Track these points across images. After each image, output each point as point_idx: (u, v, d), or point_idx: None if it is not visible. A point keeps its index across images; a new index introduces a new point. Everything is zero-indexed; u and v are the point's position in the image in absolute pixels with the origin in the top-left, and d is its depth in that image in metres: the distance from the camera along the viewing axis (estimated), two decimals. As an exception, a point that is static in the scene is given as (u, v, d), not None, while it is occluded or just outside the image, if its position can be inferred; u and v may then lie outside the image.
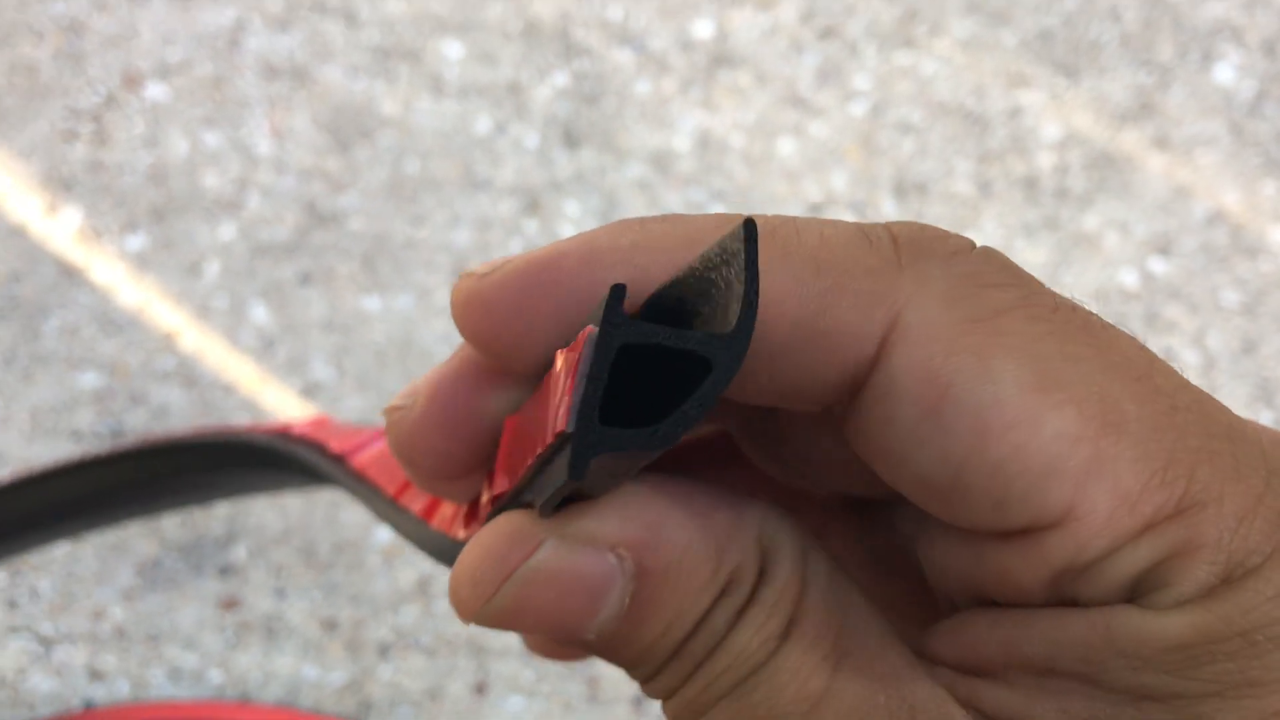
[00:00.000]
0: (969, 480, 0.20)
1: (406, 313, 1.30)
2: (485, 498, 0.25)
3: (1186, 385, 0.21)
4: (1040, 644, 0.21)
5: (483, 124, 1.42)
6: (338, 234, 1.33)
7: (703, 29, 1.52)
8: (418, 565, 1.19)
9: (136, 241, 1.31)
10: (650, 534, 0.21)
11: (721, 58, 1.50)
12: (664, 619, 0.21)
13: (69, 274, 1.29)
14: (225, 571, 1.17)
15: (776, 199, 1.41)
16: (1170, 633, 0.20)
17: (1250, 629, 0.19)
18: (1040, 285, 0.21)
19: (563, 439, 0.19)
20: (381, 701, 1.14)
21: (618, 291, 0.19)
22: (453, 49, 1.46)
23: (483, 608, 0.22)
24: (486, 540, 0.22)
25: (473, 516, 0.26)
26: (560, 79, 1.46)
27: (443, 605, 1.17)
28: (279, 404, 1.24)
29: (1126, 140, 1.54)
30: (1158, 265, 1.47)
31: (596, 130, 1.43)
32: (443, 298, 1.31)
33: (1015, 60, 1.56)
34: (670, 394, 0.19)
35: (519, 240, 1.35)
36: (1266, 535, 0.20)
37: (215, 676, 1.14)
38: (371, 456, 0.33)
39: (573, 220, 1.37)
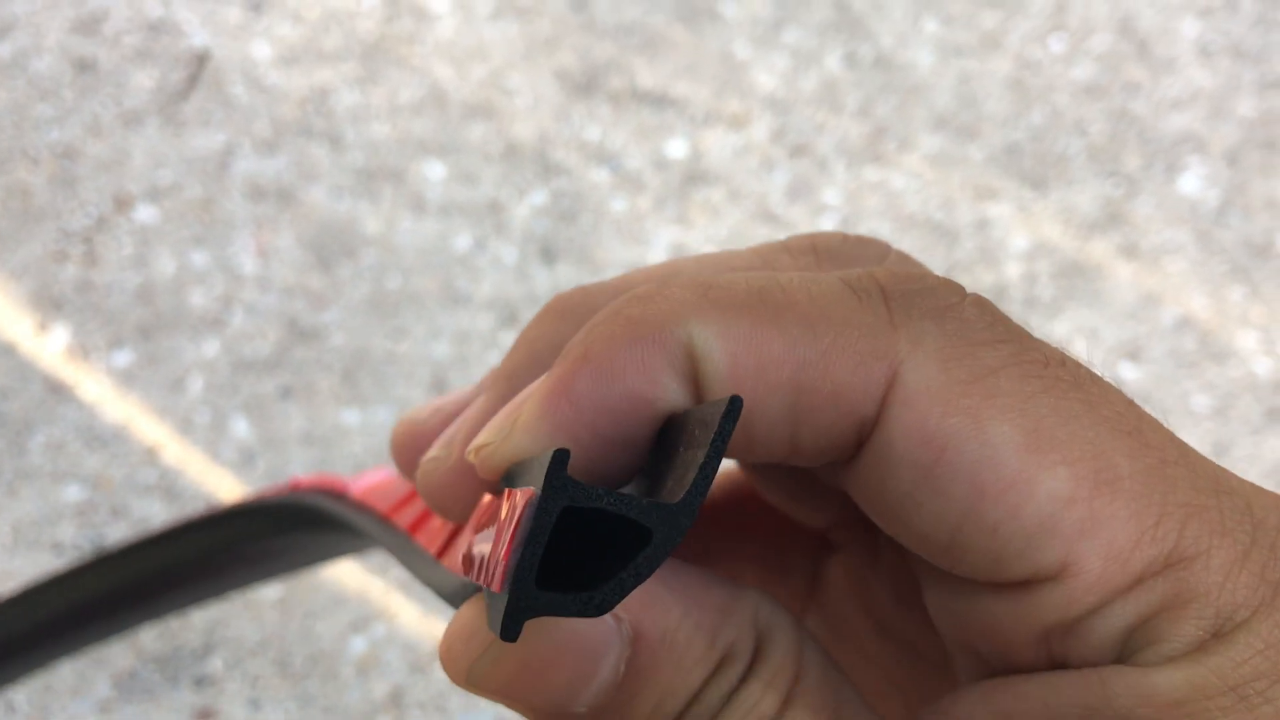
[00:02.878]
0: (965, 539, 0.21)
1: (385, 425, 1.33)
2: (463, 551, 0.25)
3: (1173, 440, 0.21)
4: (1036, 709, 0.21)
5: (463, 241, 1.46)
6: (319, 349, 1.37)
7: (676, 148, 1.57)
8: (391, 677, 1.20)
9: (123, 358, 1.34)
10: (648, 599, 0.21)
11: (695, 176, 1.55)
12: (658, 691, 0.21)
13: (56, 390, 1.32)
14: (201, 682, 1.18)
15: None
16: (1164, 689, 0.20)
17: (1241, 683, 0.19)
18: (1030, 338, 0.21)
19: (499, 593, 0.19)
20: (352, 814, 1.15)
21: (560, 456, 0.19)
22: (434, 170, 1.51)
23: (475, 663, 0.21)
24: (476, 600, 0.21)
25: (449, 546, 0.26)
26: (539, 197, 1.51)
27: (415, 716, 1.18)
28: (258, 516, 1.27)
29: (1095, 249, 1.57)
30: (1128, 371, 1.50)
31: (573, 246, 1.47)
32: (421, 410, 1.34)
33: (983, 174, 1.61)
34: (615, 548, 0.19)
35: (496, 353, 1.38)
36: (1252, 589, 0.20)
37: (188, 789, 1.15)
38: (368, 486, 0.34)
39: (549, 333, 1.40)
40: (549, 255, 1.46)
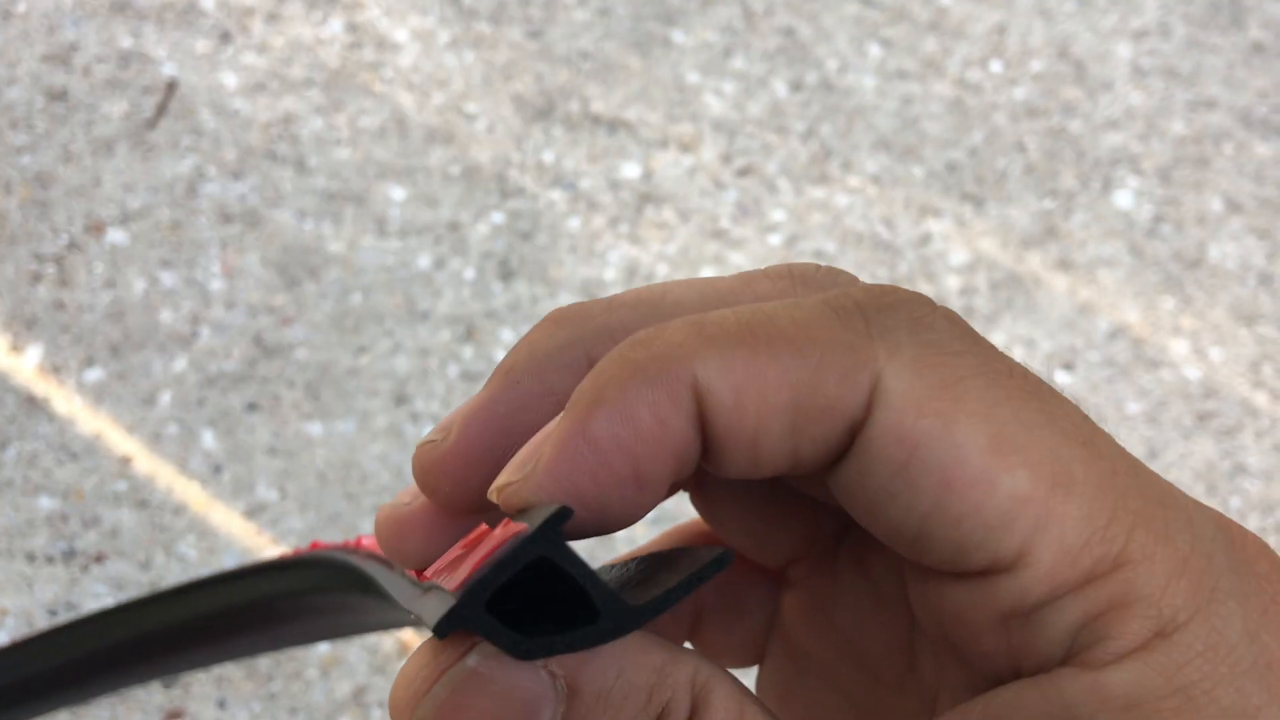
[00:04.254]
0: (932, 529, 0.22)
1: (348, 437, 1.38)
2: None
3: (1124, 453, 0.23)
4: None
5: (423, 260, 1.52)
6: (284, 364, 1.42)
7: (630, 170, 1.63)
8: (353, 677, 1.25)
9: (94, 375, 1.39)
10: (585, 656, 0.21)
11: (648, 196, 1.61)
12: None
13: (29, 406, 1.37)
14: (169, 684, 1.23)
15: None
16: (1117, 692, 0.21)
17: (1187, 684, 0.21)
18: (994, 350, 0.23)
19: (452, 593, 0.20)
20: (316, 807, 1.19)
21: (562, 514, 0.20)
22: (396, 192, 1.57)
23: (416, 711, 0.22)
24: (423, 648, 0.23)
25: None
26: (497, 217, 1.57)
27: (377, 715, 1.23)
28: (225, 524, 1.31)
29: (1031, 262, 1.64)
30: (1063, 378, 1.56)
31: (530, 263, 1.53)
32: (383, 422, 1.39)
33: (924, 191, 1.67)
34: (567, 609, 0.21)
35: (456, 366, 1.44)
36: (1190, 594, 0.21)
37: (157, 786, 1.19)
38: (372, 541, 0.36)
39: (507, 347, 1.46)
40: (507, 273, 1.52)
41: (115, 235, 1.50)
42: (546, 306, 1.49)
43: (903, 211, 1.65)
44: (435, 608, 0.21)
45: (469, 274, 1.51)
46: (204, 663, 0.50)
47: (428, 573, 0.25)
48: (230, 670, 1.24)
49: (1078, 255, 1.65)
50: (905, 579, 0.26)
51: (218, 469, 1.34)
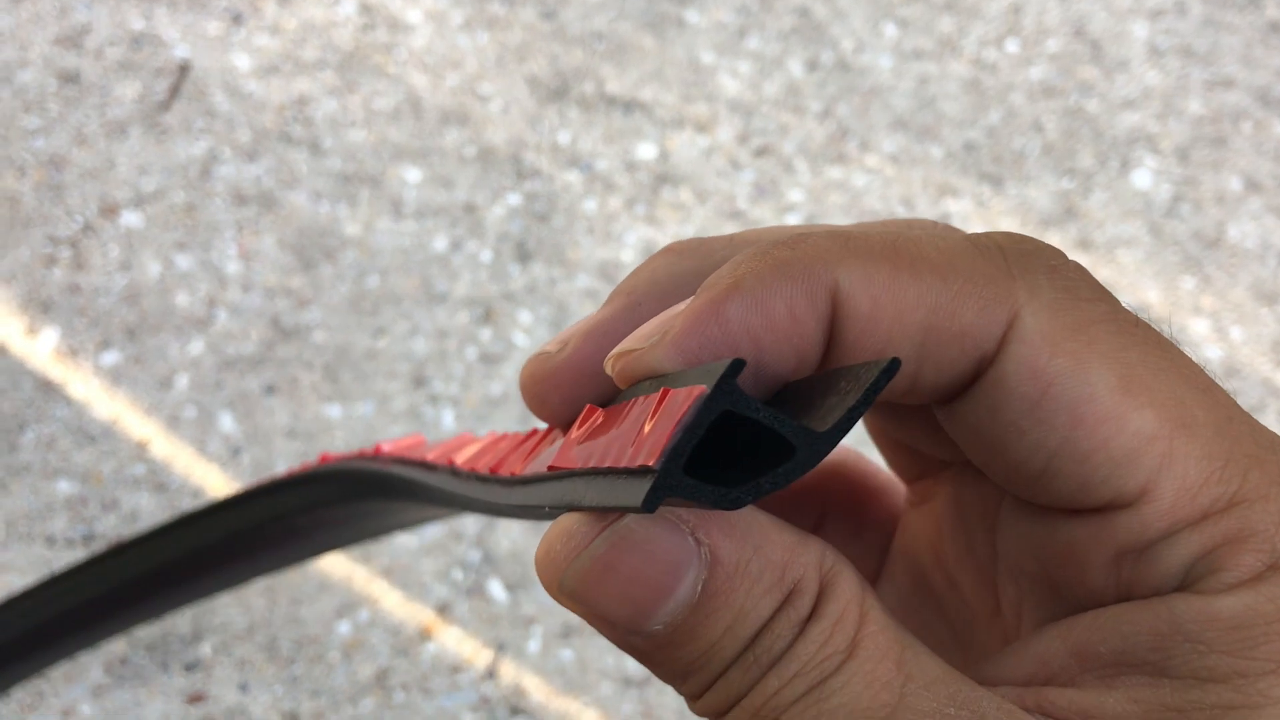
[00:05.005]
0: (1059, 466, 0.23)
1: (367, 419, 1.37)
2: (543, 454, 0.26)
3: (1235, 403, 0.24)
4: (1112, 639, 0.23)
5: (440, 242, 1.51)
6: (301, 347, 1.41)
7: (646, 151, 1.62)
8: (376, 660, 1.24)
9: (111, 358, 1.39)
10: (726, 528, 0.22)
11: (664, 176, 1.60)
12: (730, 614, 0.22)
13: (46, 390, 1.36)
14: (191, 667, 1.22)
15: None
16: (1226, 614, 0.22)
17: None
18: (1119, 303, 0.24)
19: (644, 470, 0.21)
20: (340, 790, 1.18)
21: (736, 365, 0.20)
22: (411, 174, 1.56)
23: (572, 564, 0.23)
24: (573, 514, 0.23)
25: (523, 458, 0.28)
26: (513, 199, 1.56)
27: (399, 697, 1.22)
28: (244, 508, 1.31)
29: (1051, 242, 1.62)
30: (1084, 358, 1.55)
31: (547, 245, 1.52)
32: (402, 404, 1.38)
33: (942, 171, 1.66)
34: (745, 458, 0.21)
35: (474, 348, 1.43)
36: None
37: (180, 770, 1.18)
38: (396, 447, 0.35)
39: (525, 328, 1.45)
40: (523, 254, 1.51)
41: (130, 218, 1.49)
42: (564, 288, 1.48)
43: (921, 191, 1.64)
44: (618, 489, 0.21)
45: (486, 256, 1.50)
46: (217, 589, 0.50)
47: (571, 460, 0.25)
48: (252, 653, 1.23)
49: (1097, 235, 1.64)
50: (997, 521, 0.27)
51: (236, 451, 1.33)
